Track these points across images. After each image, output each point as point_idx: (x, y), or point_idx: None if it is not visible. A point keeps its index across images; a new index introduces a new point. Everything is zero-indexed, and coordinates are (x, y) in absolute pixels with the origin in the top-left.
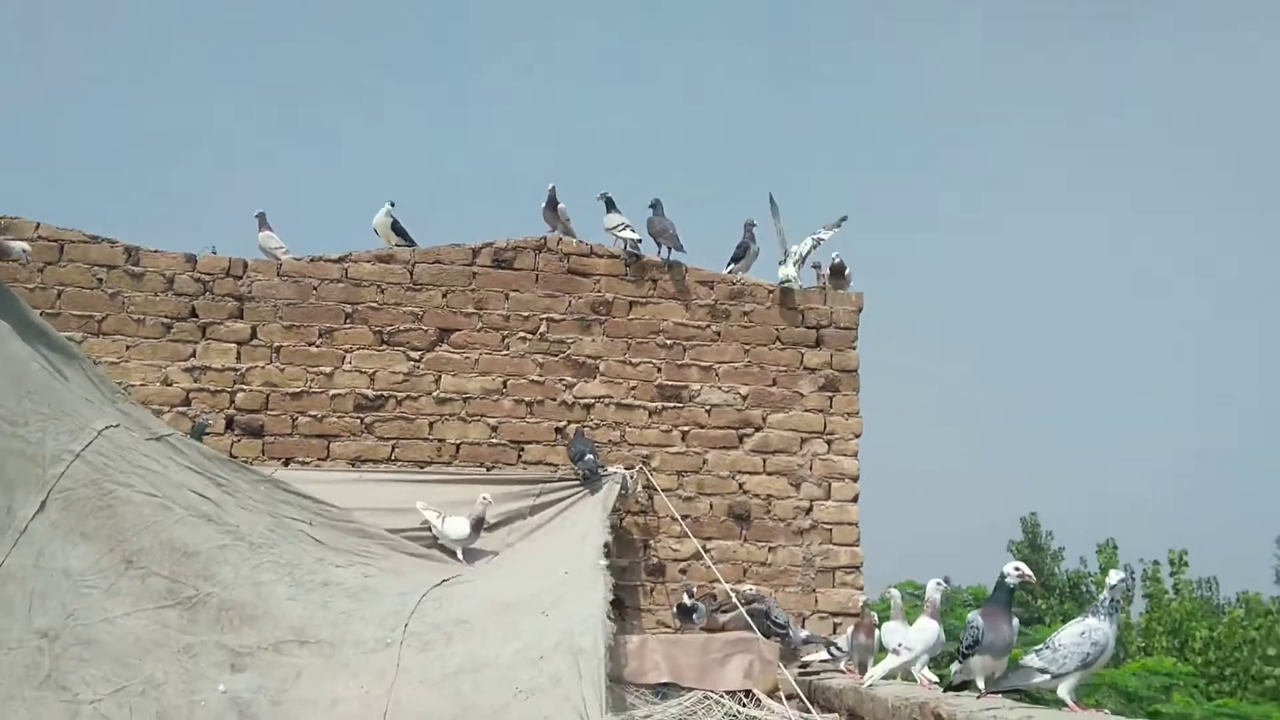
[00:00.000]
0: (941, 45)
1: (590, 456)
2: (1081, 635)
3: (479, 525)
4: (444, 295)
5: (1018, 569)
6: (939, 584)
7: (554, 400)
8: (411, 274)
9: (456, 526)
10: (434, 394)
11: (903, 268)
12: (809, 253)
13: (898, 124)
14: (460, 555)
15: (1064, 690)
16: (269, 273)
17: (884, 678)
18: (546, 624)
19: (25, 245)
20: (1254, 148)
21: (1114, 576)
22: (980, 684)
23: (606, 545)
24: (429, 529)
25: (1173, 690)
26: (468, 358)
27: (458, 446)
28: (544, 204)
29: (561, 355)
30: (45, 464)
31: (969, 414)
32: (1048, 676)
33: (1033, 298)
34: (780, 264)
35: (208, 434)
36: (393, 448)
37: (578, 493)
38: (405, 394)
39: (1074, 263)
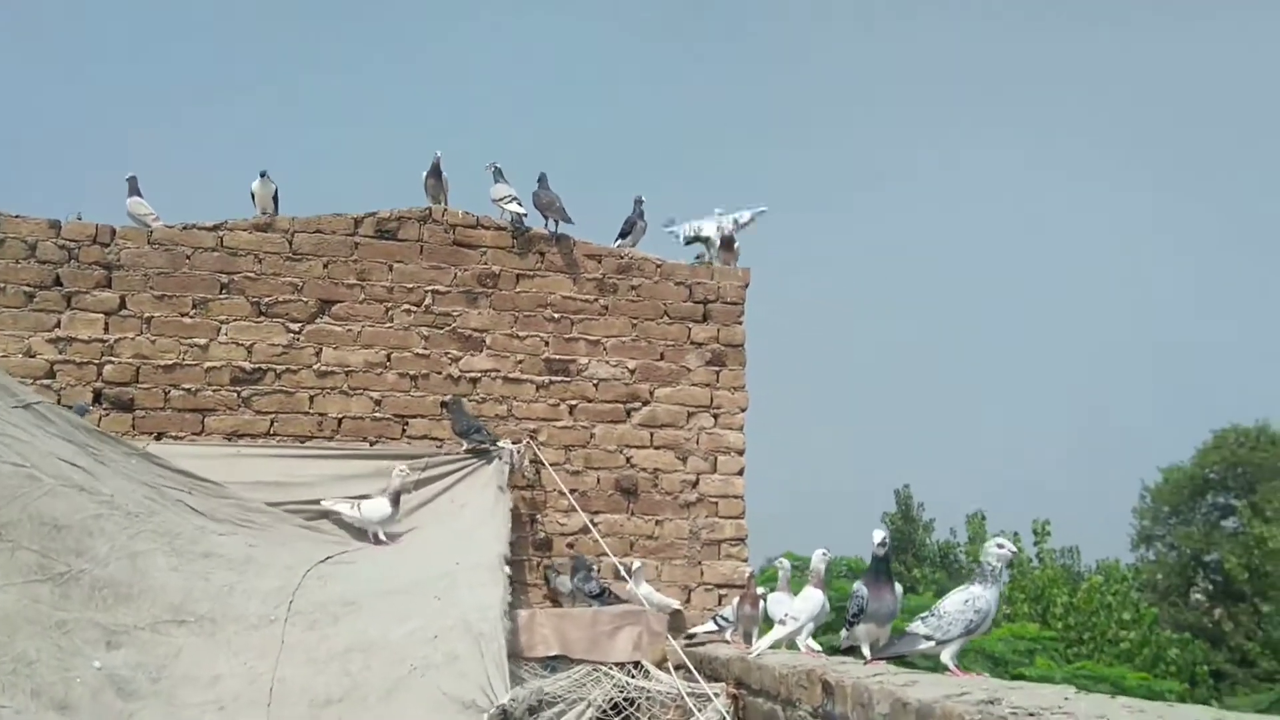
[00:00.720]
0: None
1: (481, 432)
2: (965, 603)
3: (398, 500)
4: (325, 266)
5: (882, 541)
6: (824, 554)
7: (439, 374)
8: (291, 244)
9: (376, 508)
10: (315, 367)
11: (785, 246)
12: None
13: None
14: (383, 536)
15: (947, 656)
16: (139, 240)
17: (771, 647)
18: (440, 607)
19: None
20: (1123, 137)
21: (997, 547)
22: (866, 651)
23: (509, 547)
24: (312, 504)
25: (1035, 654)
26: (350, 330)
27: (339, 421)
28: (426, 171)
29: (447, 328)
30: None
31: (846, 390)
32: (933, 643)
33: (909, 279)
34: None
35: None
36: (271, 422)
37: (463, 467)
38: (285, 367)
39: (950, 243)
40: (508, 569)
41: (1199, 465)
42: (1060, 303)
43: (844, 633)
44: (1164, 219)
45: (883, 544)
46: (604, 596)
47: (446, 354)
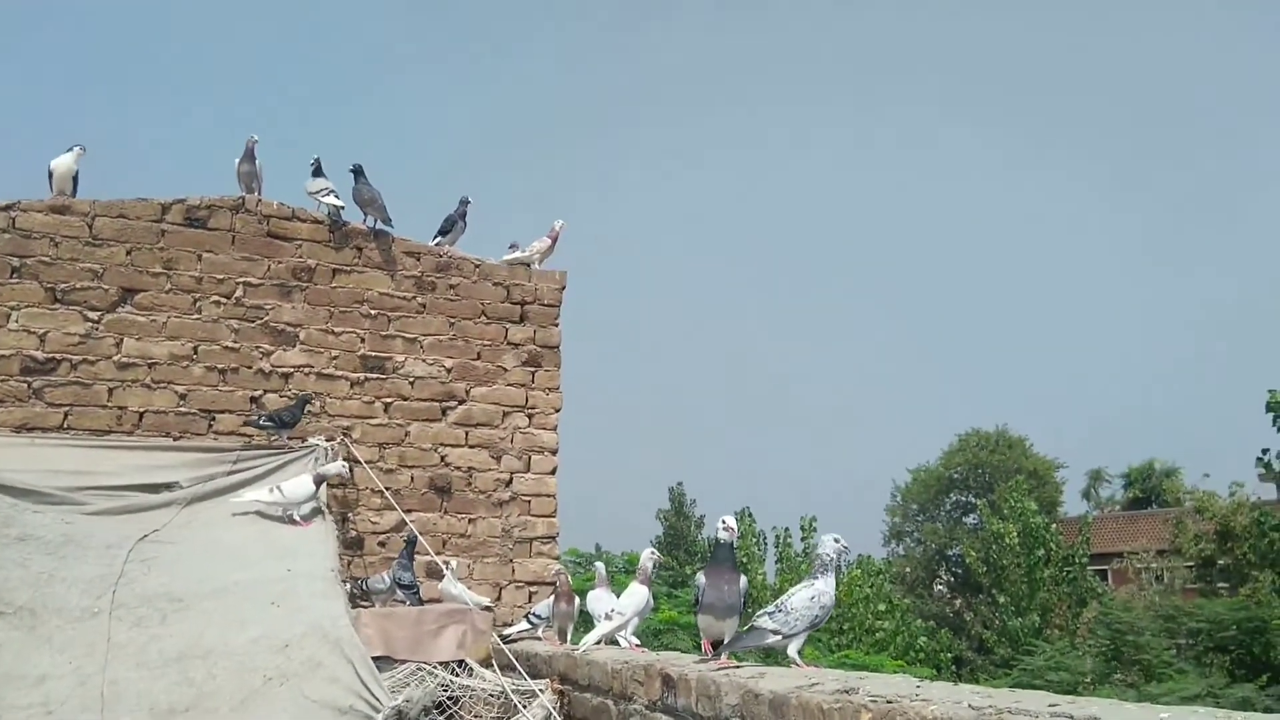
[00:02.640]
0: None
1: (288, 426)
2: (812, 599)
3: (322, 482)
4: (128, 253)
5: (724, 522)
6: (652, 553)
7: (249, 368)
8: (91, 228)
9: (300, 487)
10: (115, 358)
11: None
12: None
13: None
14: (298, 518)
15: (793, 650)
16: None
17: (596, 643)
18: (282, 615)
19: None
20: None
21: (834, 541)
22: (705, 644)
23: (337, 559)
24: (118, 490)
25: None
26: (154, 320)
27: (141, 415)
28: (239, 158)
29: (259, 322)
30: None
31: (620, 395)
32: (780, 637)
33: (674, 289)
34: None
35: None
36: (66, 415)
37: (277, 463)
38: (81, 357)
39: (721, 256)
40: (346, 586)
41: (944, 466)
42: (828, 301)
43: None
44: (949, 195)
45: (728, 529)
46: (414, 589)
47: (258, 348)
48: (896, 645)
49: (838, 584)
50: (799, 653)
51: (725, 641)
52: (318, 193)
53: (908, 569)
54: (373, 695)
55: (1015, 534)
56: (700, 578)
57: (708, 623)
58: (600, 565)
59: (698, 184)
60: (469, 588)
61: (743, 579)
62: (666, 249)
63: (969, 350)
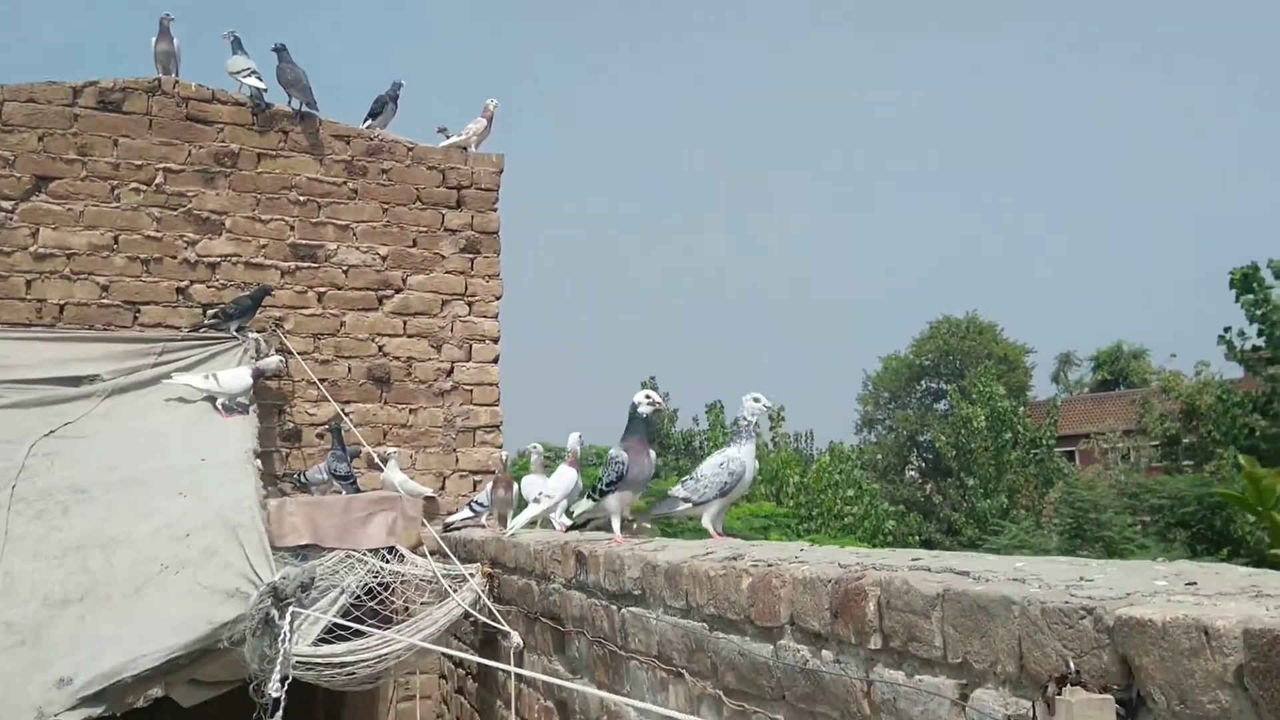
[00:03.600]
0: None
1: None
2: (720, 465)
3: (259, 376)
4: (40, 139)
5: (648, 397)
6: (579, 436)
7: (174, 258)
8: (0, 113)
9: (236, 379)
10: (31, 249)
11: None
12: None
13: None
14: (219, 406)
15: (707, 519)
16: None
17: (525, 526)
18: (188, 505)
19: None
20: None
21: (753, 400)
22: (616, 522)
23: (256, 443)
24: (30, 384)
25: (770, 530)
26: (70, 209)
27: (61, 307)
28: (155, 37)
29: (181, 209)
30: None
31: (592, 286)
32: (691, 505)
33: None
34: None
35: None
36: None
37: (205, 354)
38: None
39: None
40: (258, 462)
41: (915, 353)
42: (797, 188)
43: (585, 502)
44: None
45: (653, 403)
46: (351, 479)
47: (181, 237)
48: (864, 529)
49: (760, 449)
50: (714, 521)
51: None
52: (239, 73)
53: (879, 455)
54: (257, 575)
55: (983, 418)
56: (621, 453)
57: (626, 497)
58: (537, 449)
59: (650, 64)
60: (412, 477)
61: (653, 453)
62: (624, 135)
63: (940, 238)
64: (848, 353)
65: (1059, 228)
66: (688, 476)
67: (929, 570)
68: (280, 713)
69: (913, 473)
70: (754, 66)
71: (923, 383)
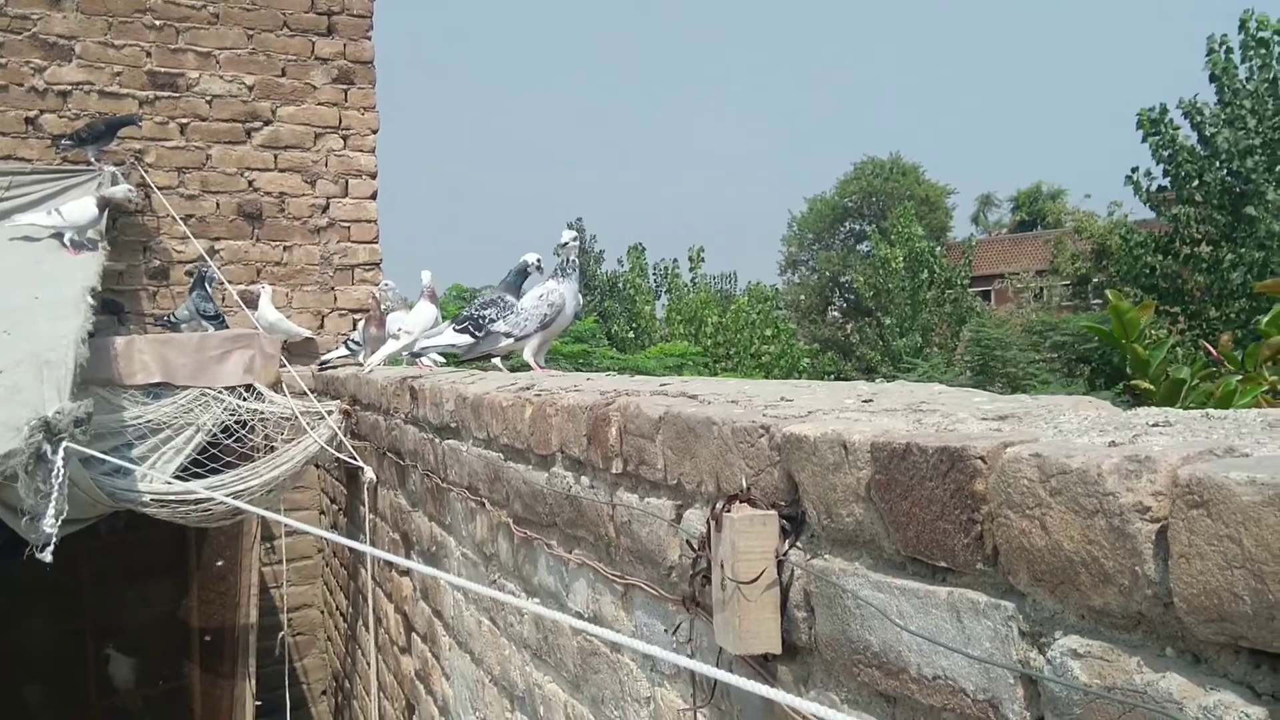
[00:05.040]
0: None
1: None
2: (540, 298)
3: (105, 206)
4: None
5: (538, 259)
6: (430, 273)
7: (20, 86)
8: None
9: (80, 210)
10: None
11: None
12: None
13: None
14: (71, 241)
15: (528, 353)
16: None
17: (385, 361)
18: (8, 343)
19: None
20: None
21: (565, 236)
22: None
23: (97, 279)
24: None
25: (684, 369)
26: None
27: None
28: None
29: (26, 34)
30: None
31: (512, 116)
32: (512, 340)
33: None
34: None
35: None
36: None
37: (57, 187)
38: None
39: None
40: (91, 301)
41: (839, 195)
42: (711, 34)
43: (457, 336)
44: None
45: (539, 260)
46: (218, 318)
47: (28, 63)
48: (780, 368)
49: (631, 312)
50: (535, 355)
51: None
52: None
53: (802, 297)
54: (45, 410)
55: (901, 259)
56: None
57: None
58: (391, 285)
59: None
60: (288, 316)
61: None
62: None
63: (866, 75)
64: (772, 194)
65: (990, 64)
66: (508, 312)
67: (666, 395)
68: (51, 547)
69: (834, 313)
70: None
71: (846, 224)
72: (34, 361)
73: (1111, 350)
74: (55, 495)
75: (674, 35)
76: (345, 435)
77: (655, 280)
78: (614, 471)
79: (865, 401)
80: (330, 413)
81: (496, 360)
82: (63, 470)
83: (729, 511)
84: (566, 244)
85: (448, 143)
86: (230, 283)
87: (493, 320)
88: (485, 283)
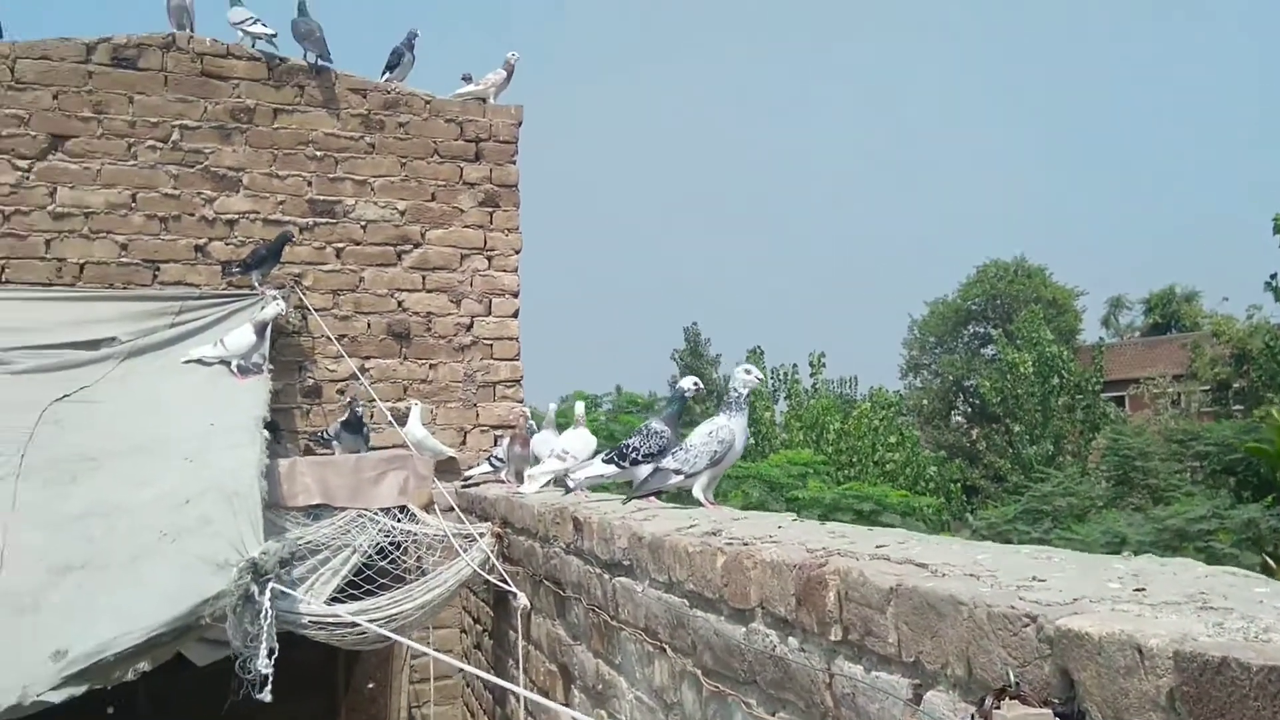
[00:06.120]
0: None
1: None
2: (709, 435)
3: (264, 329)
4: (55, 97)
5: (695, 384)
6: (582, 404)
7: (192, 215)
8: (13, 71)
9: (240, 338)
10: (49, 208)
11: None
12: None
13: None
14: (236, 368)
15: (698, 489)
16: None
17: (545, 485)
18: (191, 470)
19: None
20: None
21: (744, 373)
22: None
23: (272, 397)
24: (50, 349)
25: (808, 477)
26: (87, 168)
27: (81, 266)
28: None
29: (199, 166)
30: None
31: (627, 231)
32: (682, 477)
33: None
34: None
35: None
36: (2, 268)
37: (222, 312)
38: (14, 208)
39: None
40: (266, 433)
41: (962, 297)
42: (827, 143)
43: (604, 466)
44: (924, 54)
45: (697, 386)
46: (363, 431)
47: (199, 194)
48: (906, 476)
49: (752, 419)
50: (705, 491)
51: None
52: (242, 23)
53: (924, 401)
54: (245, 548)
55: (1030, 363)
56: (663, 426)
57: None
58: (550, 408)
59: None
60: (433, 433)
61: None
62: (649, 78)
63: (986, 177)
64: (893, 297)
65: (1114, 168)
66: (678, 448)
67: (889, 560)
68: (269, 686)
69: (958, 418)
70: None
71: (969, 327)
72: (220, 492)
73: (1259, 461)
74: (265, 635)
75: (792, 139)
76: (498, 559)
77: (774, 385)
78: (832, 638)
79: (1137, 590)
80: (482, 535)
81: (572, 479)
82: (270, 610)
83: (999, 708)
84: (740, 383)
85: (566, 246)
86: (379, 400)
87: (648, 454)
88: (606, 389)
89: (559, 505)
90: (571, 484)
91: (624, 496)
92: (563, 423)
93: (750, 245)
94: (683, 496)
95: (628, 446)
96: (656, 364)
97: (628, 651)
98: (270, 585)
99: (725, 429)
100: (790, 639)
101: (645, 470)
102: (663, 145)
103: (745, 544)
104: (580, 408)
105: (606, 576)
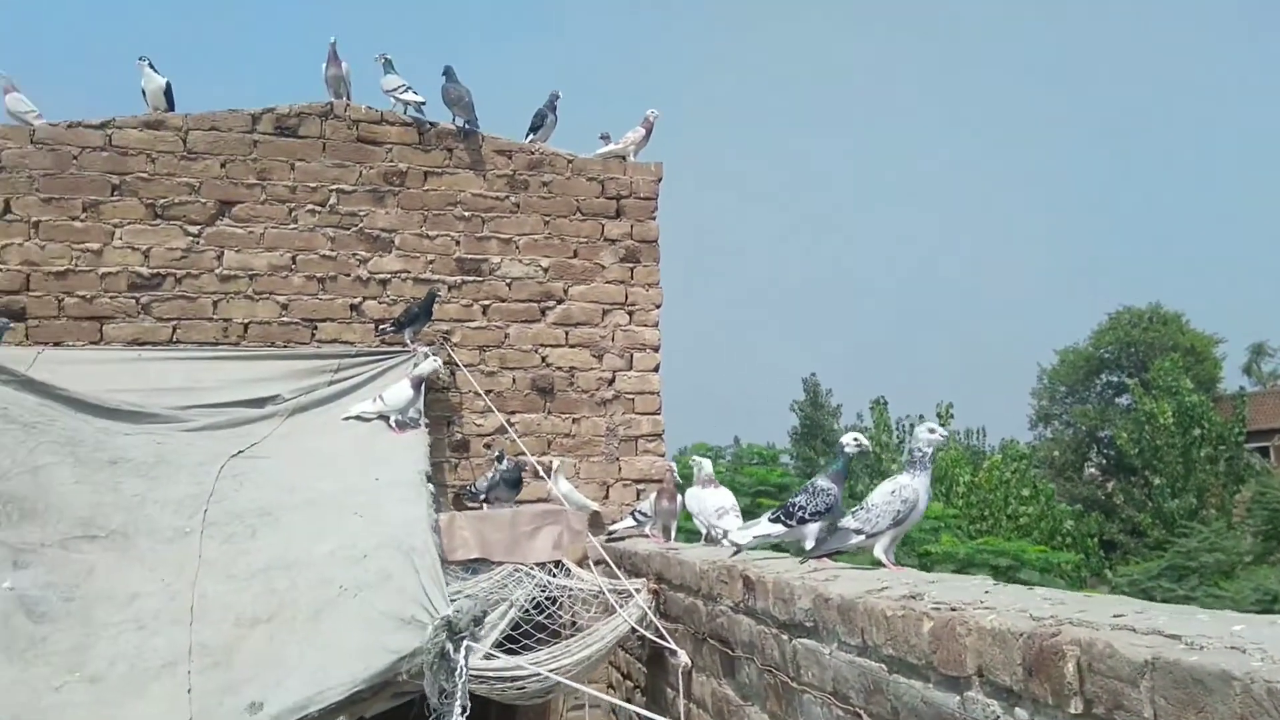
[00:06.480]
0: None
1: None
2: (892, 494)
3: (420, 384)
4: (222, 165)
5: (856, 440)
6: (709, 462)
7: (348, 276)
8: (185, 142)
9: (399, 393)
10: (217, 271)
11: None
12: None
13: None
14: (393, 423)
15: (879, 549)
16: (20, 139)
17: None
18: (363, 525)
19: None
20: None
21: (928, 432)
22: (809, 546)
23: (427, 462)
24: (220, 407)
25: (940, 531)
26: (252, 232)
27: (246, 326)
28: (325, 61)
29: (354, 228)
30: None
31: (747, 284)
32: (863, 537)
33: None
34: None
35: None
36: (174, 329)
37: (379, 369)
38: (185, 271)
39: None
40: (430, 486)
41: (1094, 346)
42: (964, 176)
43: (774, 527)
44: (1058, 104)
45: (859, 445)
46: (520, 485)
47: (354, 255)
48: (1041, 530)
49: (934, 477)
50: (886, 552)
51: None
52: (394, 90)
53: (1056, 453)
54: (431, 605)
55: (1170, 413)
56: (833, 487)
57: (820, 529)
58: (702, 463)
59: (806, 53)
60: (576, 487)
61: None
62: (777, 128)
63: (1116, 222)
64: (1020, 345)
65: (1252, 211)
66: (858, 507)
67: (1134, 631)
68: None
69: (1092, 470)
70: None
71: (1102, 376)
72: (396, 547)
73: None
74: (460, 692)
75: (911, 189)
76: (655, 615)
77: (894, 437)
78: (1071, 711)
79: None
80: (638, 590)
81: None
82: (465, 668)
83: None
84: (924, 442)
85: (689, 300)
86: (529, 454)
87: (815, 512)
88: (722, 440)
89: (725, 563)
90: (729, 542)
91: (790, 554)
92: (684, 473)
93: (872, 294)
94: (857, 556)
95: (794, 505)
96: (774, 415)
97: (812, 714)
98: (465, 644)
99: (909, 488)
100: (1018, 710)
101: (813, 529)
102: (779, 189)
103: (954, 609)
104: (708, 465)
105: (785, 637)
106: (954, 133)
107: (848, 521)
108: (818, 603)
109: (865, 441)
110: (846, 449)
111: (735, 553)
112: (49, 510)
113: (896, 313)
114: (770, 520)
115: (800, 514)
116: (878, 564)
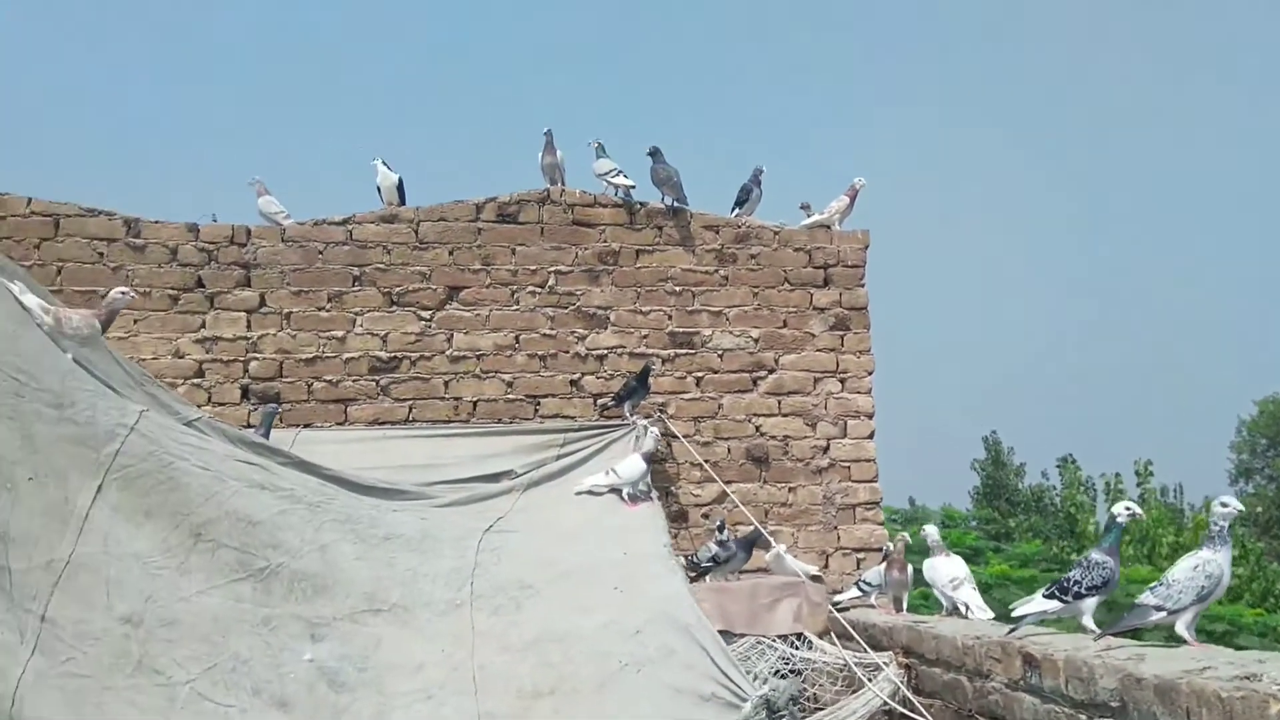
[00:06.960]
0: None
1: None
2: (1195, 569)
3: (651, 459)
4: (450, 253)
5: (1128, 508)
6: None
7: (566, 353)
8: (417, 233)
9: (632, 467)
10: (447, 353)
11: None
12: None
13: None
14: (625, 496)
15: (1181, 626)
16: (273, 238)
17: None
18: (626, 600)
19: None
20: None
21: (1220, 505)
22: (1090, 623)
23: (668, 534)
24: (459, 483)
25: None
26: (478, 315)
27: (474, 404)
28: (541, 150)
29: (571, 307)
30: (99, 443)
31: (922, 340)
32: (1164, 613)
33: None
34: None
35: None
36: (410, 408)
37: (601, 443)
38: (418, 354)
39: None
40: (680, 558)
41: None
42: (1143, 238)
43: (1049, 603)
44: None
45: (1131, 513)
46: (752, 547)
47: (572, 333)
48: (1253, 593)
49: (1233, 552)
50: (1189, 629)
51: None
52: (606, 174)
53: (1259, 509)
54: (734, 683)
55: None
56: (1110, 560)
57: (1097, 603)
58: (933, 531)
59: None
60: (795, 557)
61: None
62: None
63: None
64: (1216, 397)
65: None
66: (1157, 583)
67: None
68: None
69: None
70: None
71: None
72: (669, 623)
73: None
74: None
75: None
76: (908, 690)
77: (1089, 496)
78: None
79: None
80: (887, 664)
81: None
82: None
83: None
84: (1220, 516)
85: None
86: (742, 524)
87: (1091, 586)
88: (896, 502)
89: (997, 639)
90: (978, 614)
91: (1079, 631)
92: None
93: (1054, 345)
94: (1145, 633)
95: (1069, 580)
96: (953, 475)
97: None
98: None
99: (1213, 563)
100: None
101: (1090, 604)
102: (960, 239)
103: None
104: (935, 532)
105: (1083, 717)
106: (1132, 172)
107: (1146, 598)
108: (1126, 682)
109: (1138, 509)
110: (1119, 518)
111: (1011, 630)
112: (337, 585)
113: (1078, 367)
114: (1045, 596)
115: (1076, 589)
116: (1179, 641)
